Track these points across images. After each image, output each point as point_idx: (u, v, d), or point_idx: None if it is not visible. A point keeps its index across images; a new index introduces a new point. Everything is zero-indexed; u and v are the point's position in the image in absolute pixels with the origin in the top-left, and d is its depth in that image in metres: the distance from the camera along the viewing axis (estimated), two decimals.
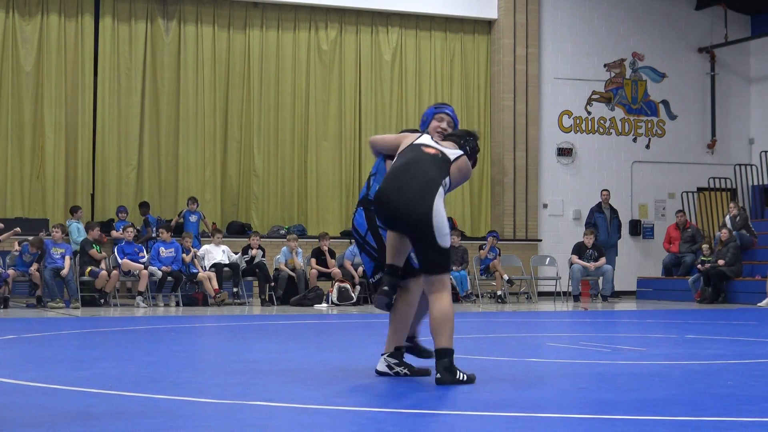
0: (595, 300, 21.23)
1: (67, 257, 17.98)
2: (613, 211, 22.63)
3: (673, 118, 25.04)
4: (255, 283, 19.81)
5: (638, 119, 24.75)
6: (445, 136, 7.14)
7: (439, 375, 6.51)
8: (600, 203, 22.57)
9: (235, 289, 19.05)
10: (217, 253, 19.30)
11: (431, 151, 6.88)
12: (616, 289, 21.93)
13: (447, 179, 6.81)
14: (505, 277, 20.56)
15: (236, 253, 19.62)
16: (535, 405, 5.98)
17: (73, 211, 19.84)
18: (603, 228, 22.23)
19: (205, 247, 19.47)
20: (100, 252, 18.52)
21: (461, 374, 6.55)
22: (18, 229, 18.40)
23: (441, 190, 6.70)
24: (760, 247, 21.94)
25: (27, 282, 18.18)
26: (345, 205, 22.56)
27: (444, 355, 6.53)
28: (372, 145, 7.41)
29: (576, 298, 20.78)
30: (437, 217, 6.57)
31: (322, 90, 22.60)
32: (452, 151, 6.94)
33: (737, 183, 24.99)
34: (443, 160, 6.84)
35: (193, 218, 20.47)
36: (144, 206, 20.80)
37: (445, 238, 6.61)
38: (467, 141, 7.10)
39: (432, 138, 7.04)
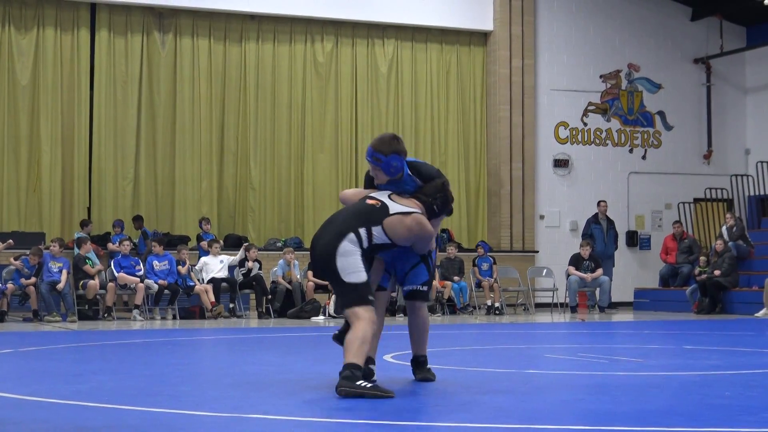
0: (592, 311, 21.23)
1: (65, 271, 17.98)
2: (610, 222, 22.62)
3: (669, 129, 25.07)
4: (252, 295, 19.78)
5: (634, 130, 24.78)
6: (414, 195, 7.26)
7: (338, 384, 6.55)
8: (596, 214, 22.57)
9: (231, 305, 19.02)
10: (215, 265, 19.27)
11: (371, 202, 7.10)
12: (614, 300, 21.92)
13: (377, 228, 6.96)
14: (493, 302, 20.59)
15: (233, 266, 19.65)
16: (533, 416, 5.98)
17: (83, 225, 19.89)
18: (599, 239, 22.22)
19: (203, 259, 19.44)
20: (94, 266, 18.49)
21: (364, 383, 6.56)
22: (11, 241, 18.38)
23: (352, 236, 6.90)
24: (757, 258, 21.95)
25: (20, 295, 18.16)
26: None
27: (348, 368, 6.59)
28: (342, 200, 7.57)
29: (573, 310, 20.77)
30: (342, 258, 6.83)
31: (318, 102, 22.62)
32: (398, 206, 7.07)
33: (734, 193, 25.01)
34: (379, 210, 7.02)
35: (205, 245, 20.19)
36: (138, 219, 20.75)
37: (352, 275, 6.82)
38: (435, 199, 7.22)
39: (390, 195, 7.22)
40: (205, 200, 21.71)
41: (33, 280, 17.81)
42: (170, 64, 21.77)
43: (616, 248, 22.73)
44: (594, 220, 22.49)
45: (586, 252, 21.22)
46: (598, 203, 22.69)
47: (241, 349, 11.97)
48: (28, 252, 18.11)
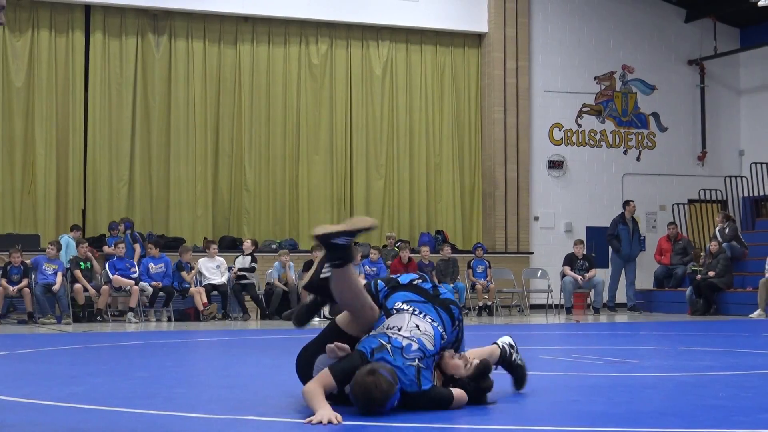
0: (587, 312, 21.24)
1: (59, 273, 17.96)
2: (635, 223, 22.51)
3: (663, 131, 25.10)
4: (247, 297, 19.73)
5: (628, 131, 24.80)
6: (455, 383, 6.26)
7: None
8: (623, 214, 22.41)
9: (223, 311, 19.04)
10: (211, 269, 19.25)
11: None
12: (618, 300, 22.08)
13: None
14: (485, 303, 20.65)
15: (230, 268, 19.65)
16: (528, 417, 5.98)
17: (72, 229, 19.84)
18: (626, 240, 22.06)
19: (200, 261, 19.43)
20: (91, 269, 18.48)
21: None
22: None
23: None
24: (751, 259, 21.96)
25: (11, 298, 18.17)
26: (336, 218, 22.55)
27: None
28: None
29: (568, 311, 20.79)
30: None
31: (312, 104, 22.62)
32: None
33: (728, 195, 25.04)
34: None
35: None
36: (126, 222, 20.58)
37: None
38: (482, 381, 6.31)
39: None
40: (199, 202, 21.70)
41: (25, 282, 17.82)
42: (165, 66, 21.77)
43: (643, 249, 22.60)
44: (621, 220, 22.31)
45: (579, 252, 21.26)
46: (628, 203, 22.46)
47: (236, 351, 11.96)
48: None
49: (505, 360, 6.86)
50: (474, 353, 6.66)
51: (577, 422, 5.85)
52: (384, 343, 5.91)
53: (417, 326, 6.03)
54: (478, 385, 6.24)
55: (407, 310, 6.13)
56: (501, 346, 6.89)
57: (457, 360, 6.23)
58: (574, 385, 7.88)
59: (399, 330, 5.99)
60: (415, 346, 5.92)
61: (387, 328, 6.02)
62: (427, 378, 5.95)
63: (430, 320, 6.12)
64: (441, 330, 6.14)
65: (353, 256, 6.09)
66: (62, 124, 21.06)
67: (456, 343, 6.36)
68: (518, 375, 6.87)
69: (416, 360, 5.88)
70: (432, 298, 6.28)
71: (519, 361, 6.90)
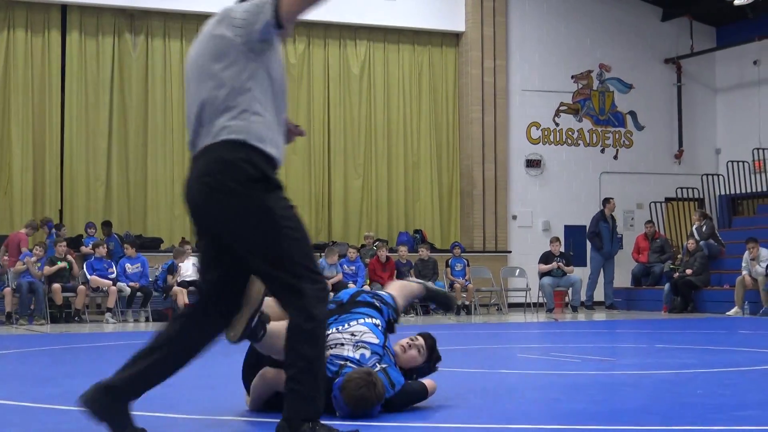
0: (565, 310, 21.29)
1: (41, 270, 17.91)
2: (614, 221, 22.55)
3: (640, 129, 25.18)
4: None
5: (606, 130, 24.87)
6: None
7: None
8: (602, 211, 22.41)
9: None
10: (187, 267, 19.23)
11: None
12: (595, 299, 22.12)
13: None
14: (464, 302, 20.67)
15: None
16: (506, 417, 5.99)
17: (57, 228, 19.83)
18: (607, 238, 22.10)
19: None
20: (70, 269, 18.41)
21: None
22: None
23: None
24: (728, 257, 22.04)
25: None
26: (315, 218, 22.54)
27: None
28: None
29: (549, 311, 20.83)
30: None
31: (290, 103, 22.45)
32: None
33: (705, 193, 25.14)
34: None
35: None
36: (107, 225, 20.56)
37: None
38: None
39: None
40: (177, 202, 21.62)
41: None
42: (142, 66, 21.70)
43: (620, 248, 22.63)
44: (601, 217, 22.33)
45: (556, 249, 21.31)
46: (608, 200, 22.48)
47: (214, 351, 11.90)
48: None
49: (428, 290, 6.89)
50: (395, 288, 6.69)
51: (557, 421, 5.86)
52: (342, 362, 5.85)
53: (352, 334, 6.00)
54: (432, 363, 6.38)
55: (332, 331, 5.99)
56: (419, 282, 6.98)
57: (411, 351, 6.29)
58: (553, 384, 7.90)
59: (342, 345, 5.93)
60: (367, 353, 5.90)
61: (332, 349, 5.89)
62: (397, 372, 5.98)
63: (354, 322, 6.09)
64: (369, 320, 6.11)
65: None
66: (39, 124, 20.96)
67: (394, 313, 6.33)
68: (441, 300, 7.01)
69: (377, 365, 5.87)
70: (340, 306, 6.26)
71: (435, 288, 7.04)
